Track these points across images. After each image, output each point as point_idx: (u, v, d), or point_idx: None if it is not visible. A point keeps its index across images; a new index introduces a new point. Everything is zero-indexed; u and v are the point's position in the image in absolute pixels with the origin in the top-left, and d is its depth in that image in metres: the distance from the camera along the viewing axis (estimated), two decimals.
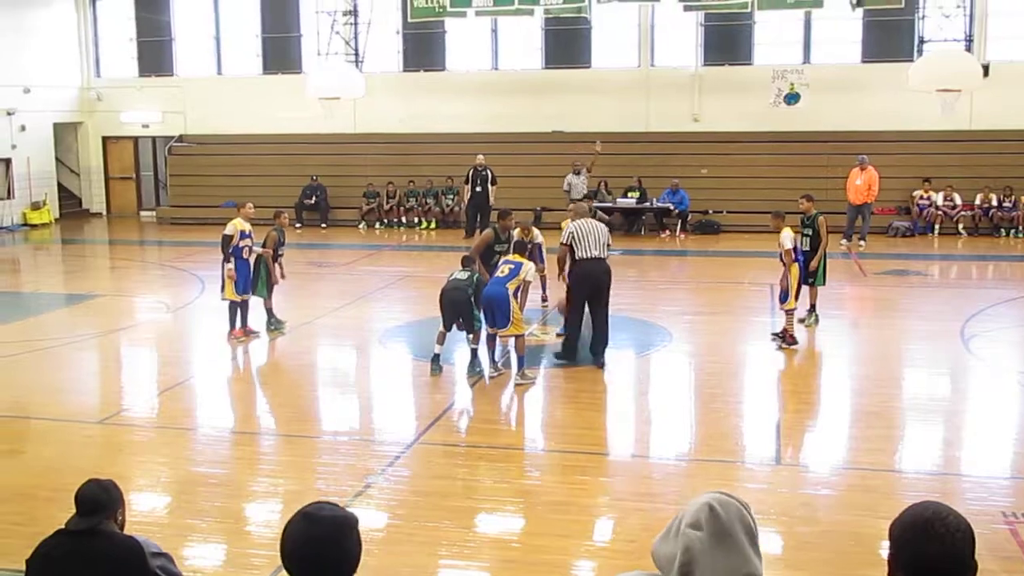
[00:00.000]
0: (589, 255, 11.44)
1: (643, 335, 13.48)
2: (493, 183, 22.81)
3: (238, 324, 13.06)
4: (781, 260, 12.35)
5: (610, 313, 11.76)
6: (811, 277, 13.10)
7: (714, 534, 2.24)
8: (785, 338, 12.27)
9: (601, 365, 11.50)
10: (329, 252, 21.95)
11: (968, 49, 22.69)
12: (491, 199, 22.66)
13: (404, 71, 27.05)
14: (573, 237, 11.47)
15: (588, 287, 11.52)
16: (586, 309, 11.72)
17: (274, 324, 13.49)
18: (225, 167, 27.23)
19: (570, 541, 7.14)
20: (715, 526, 2.25)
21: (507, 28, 26.20)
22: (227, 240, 12.79)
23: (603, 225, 11.89)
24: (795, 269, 12.28)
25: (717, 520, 2.26)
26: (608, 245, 11.64)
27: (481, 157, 22.99)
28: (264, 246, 13.22)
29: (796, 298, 12.36)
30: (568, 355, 11.68)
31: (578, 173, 21.38)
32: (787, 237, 12.25)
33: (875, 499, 7.67)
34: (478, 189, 22.83)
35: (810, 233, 13.09)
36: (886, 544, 2.52)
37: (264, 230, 13.53)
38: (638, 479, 8.36)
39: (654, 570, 2.38)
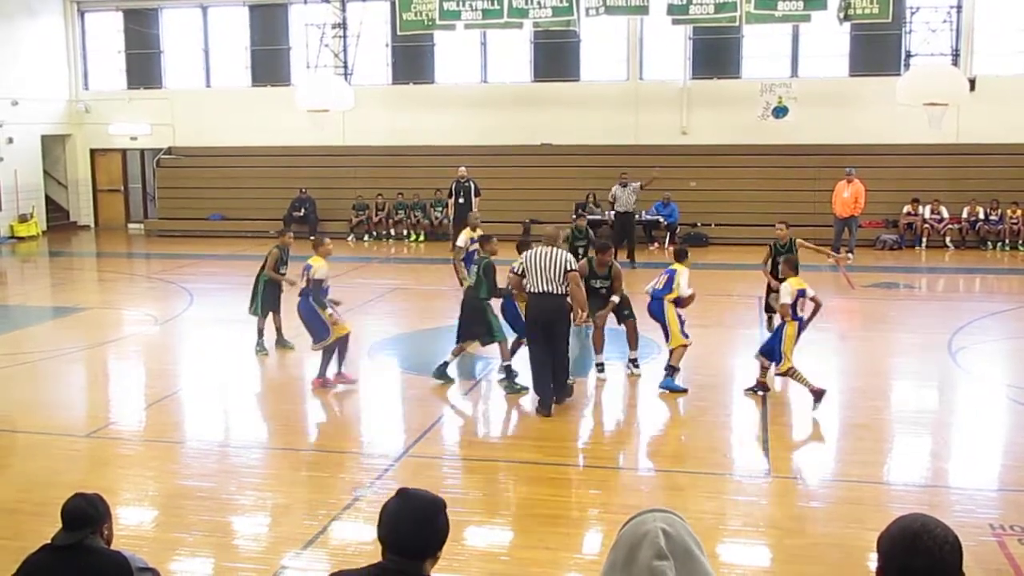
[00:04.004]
0: (538, 289, 10.18)
1: None
2: (477, 194, 22.79)
3: (331, 370, 11.49)
4: (768, 306, 11.23)
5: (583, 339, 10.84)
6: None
7: (678, 557, 2.21)
8: (759, 387, 10.96)
9: (559, 401, 10.36)
10: None
11: (955, 63, 22.86)
12: (475, 211, 22.64)
13: (393, 84, 27.10)
14: (524, 268, 10.32)
15: (538, 326, 10.32)
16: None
17: (259, 347, 13.12)
18: (214, 179, 27.23)
19: (560, 554, 7.12)
20: (675, 549, 2.21)
21: (496, 41, 26.27)
22: (319, 284, 11.51)
23: (564, 255, 10.30)
24: (792, 328, 10.56)
25: (674, 543, 2.22)
26: (567, 272, 10.10)
27: (463, 169, 22.97)
28: (263, 267, 13.04)
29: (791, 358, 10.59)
30: (542, 402, 10.28)
31: (624, 185, 21.06)
32: (787, 291, 10.61)
33: (864, 511, 7.68)
34: (461, 201, 22.83)
35: None
36: (875, 556, 2.52)
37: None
38: (628, 491, 8.36)
39: None
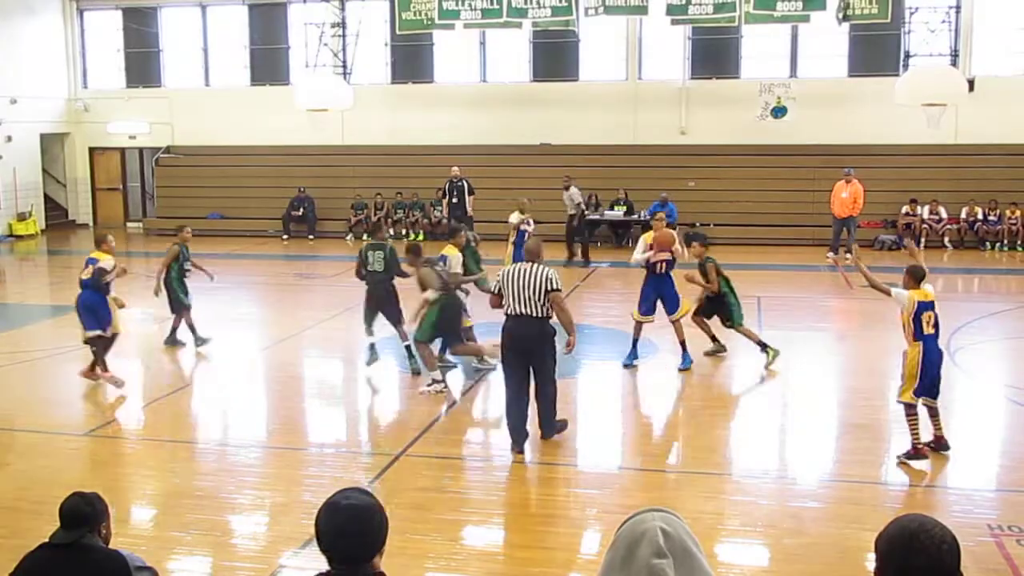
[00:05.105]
0: (514, 311, 9.01)
1: (630, 347, 13.48)
2: (470, 193, 22.79)
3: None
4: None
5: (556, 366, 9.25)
6: (727, 321, 12.24)
7: (676, 556, 2.21)
8: (910, 452, 8.71)
9: (545, 436, 9.28)
10: (316, 264, 21.92)
11: (953, 64, 22.87)
12: (469, 210, 22.68)
13: (392, 83, 27.09)
14: (500, 286, 9.11)
15: (513, 351, 9.12)
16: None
17: (199, 341, 13.38)
18: (212, 178, 27.22)
19: (557, 553, 7.13)
20: (674, 548, 2.22)
21: (495, 41, 26.27)
22: (104, 273, 11.66)
23: (544, 272, 8.98)
24: (915, 351, 8.66)
25: (673, 541, 2.22)
26: (548, 292, 8.85)
27: (456, 169, 23.00)
28: (165, 259, 13.35)
29: (914, 390, 8.66)
30: (514, 437, 9.15)
31: (567, 188, 21.23)
32: (903, 300, 8.76)
33: (862, 511, 7.68)
34: (455, 201, 22.85)
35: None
36: (873, 556, 2.52)
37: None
38: (625, 491, 8.36)
39: None
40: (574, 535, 7.55)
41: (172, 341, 13.53)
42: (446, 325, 11.26)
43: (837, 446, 9.66)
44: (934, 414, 8.87)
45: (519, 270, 9.02)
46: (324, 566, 3.05)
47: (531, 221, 17.41)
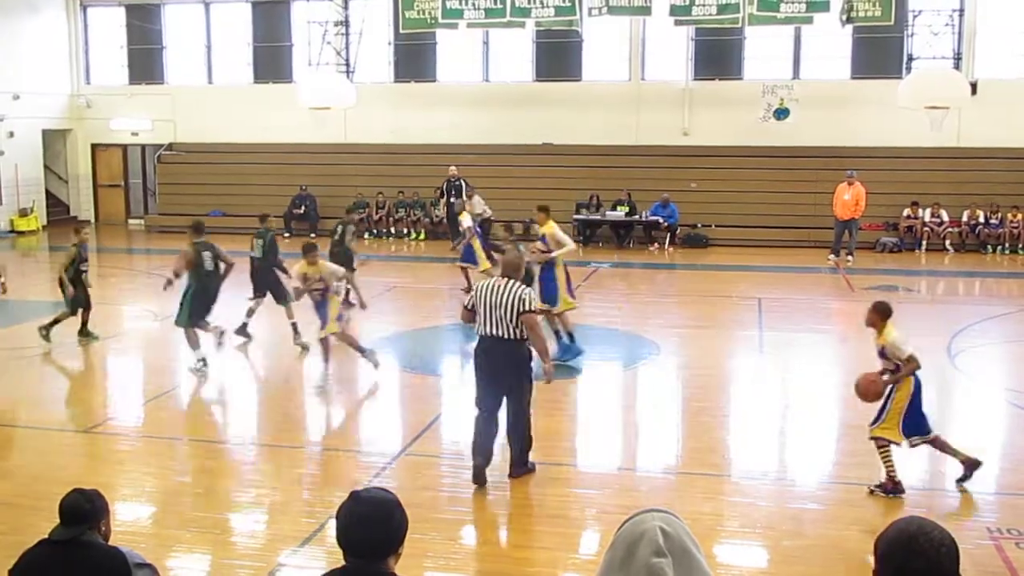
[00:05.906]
0: (485, 332, 8.12)
1: (631, 348, 13.50)
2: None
3: None
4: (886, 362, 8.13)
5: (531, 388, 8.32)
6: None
7: (675, 556, 2.21)
8: (887, 486, 8.07)
9: (513, 474, 8.35)
10: None
11: (956, 67, 22.84)
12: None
13: (395, 82, 27.09)
14: (473, 302, 8.26)
15: (484, 374, 8.27)
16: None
17: (86, 336, 13.71)
18: (214, 176, 27.21)
19: (556, 554, 7.13)
20: (673, 548, 2.22)
21: (498, 40, 26.27)
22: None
23: (518, 290, 8.05)
24: (907, 386, 8.00)
25: (672, 541, 2.22)
26: (521, 313, 7.93)
27: (454, 168, 23.08)
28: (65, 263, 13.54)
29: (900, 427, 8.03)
30: (477, 475, 8.21)
31: (470, 198, 21.13)
32: (900, 339, 8.03)
33: (861, 513, 7.68)
34: (452, 200, 22.90)
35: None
36: (872, 559, 2.52)
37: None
38: (625, 492, 8.35)
39: None
40: (574, 535, 7.55)
41: (85, 333, 13.69)
42: (199, 309, 12.32)
43: (837, 448, 9.66)
44: (943, 447, 8.19)
45: (493, 287, 8.10)
46: (325, 565, 3.06)
47: (472, 218, 17.40)
